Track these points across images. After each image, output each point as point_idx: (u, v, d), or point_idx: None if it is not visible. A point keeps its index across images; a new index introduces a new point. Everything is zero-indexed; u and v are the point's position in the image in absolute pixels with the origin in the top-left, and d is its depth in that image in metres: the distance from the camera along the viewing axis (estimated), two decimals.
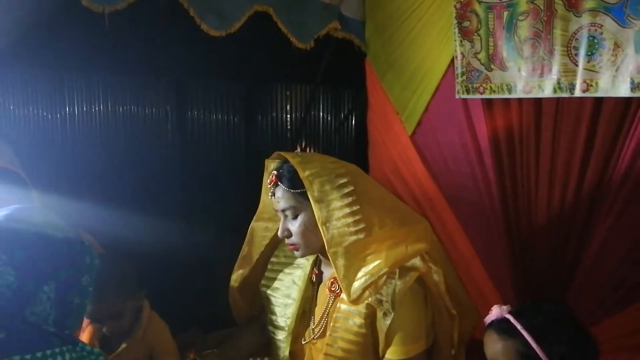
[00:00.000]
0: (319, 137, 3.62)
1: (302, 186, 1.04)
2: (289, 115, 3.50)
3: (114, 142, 2.78)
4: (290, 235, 1.08)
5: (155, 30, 2.43)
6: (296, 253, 1.10)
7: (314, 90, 3.42)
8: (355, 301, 1.01)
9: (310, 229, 1.06)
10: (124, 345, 1.33)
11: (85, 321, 1.34)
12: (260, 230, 1.26)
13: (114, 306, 1.27)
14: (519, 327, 0.99)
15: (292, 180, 1.06)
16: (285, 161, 1.10)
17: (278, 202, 1.08)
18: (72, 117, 2.72)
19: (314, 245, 1.08)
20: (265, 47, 2.61)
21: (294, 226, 1.07)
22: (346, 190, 1.03)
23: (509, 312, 1.04)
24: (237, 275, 1.30)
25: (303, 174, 1.04)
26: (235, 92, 3.25)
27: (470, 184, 1.75)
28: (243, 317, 1.36)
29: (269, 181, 1.10)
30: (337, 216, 1.01)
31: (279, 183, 1.08)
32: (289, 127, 3.48)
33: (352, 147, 3.63)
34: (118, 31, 2.31)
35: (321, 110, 3.64)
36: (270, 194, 1.10)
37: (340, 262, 1.00)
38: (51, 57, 2.39)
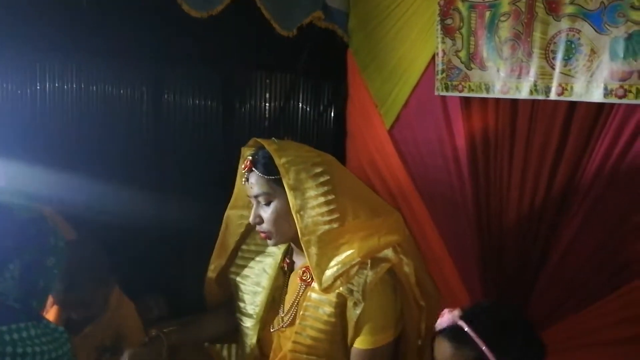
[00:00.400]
0: (297, 127, 3.60)
1: (277, 173, 1.04)
2: (267, 104, 3.47)
3: (87, 121, 2.71)
4: (261, 222, 1.08)
5: (134, 9, 2.37)
6: (268, 241, 1.10)
7: (294, 80, 3.40)
8: (326, 290, 1.01)
9: (283, 216, 1.06)
10: (89, 328, 1.31)
11: (49, 303, 1.31)
12: (235, 218, 1.25)
13: (84, 294, 1.25)
14: (472, 334, 0.96)
15: (266, 167, 1.06)
16: (261, 147, 1.10)
17: (251, 187, 1.07)
18: (43, 93, 2.63)
19: (286, 234, 1.08)
20: (247, 33, 2.58)
21: (266, 213, 1.07)
22: (322, 179, 1.04)
23: (461, 318, 1.00)
24: (214, 266, 1.29)
25: (279, 161, 1.03)
26: (214, 77, 3.20)
27: (444, 180, 1.78)
28: (216, 306, 1.35)
29: (243, 166, 1.09)
30: (311, 205, 1.02)
31: (253, 169, 1.07)
32: (267, 115, 3.46)
33: (330, 139, 3.63)
34: (96, 9, 2.25)
35: (300, 101, 3.62)
36: (244, 179, 1.10)
37: (313, 250, 1.01)
38: (25, 32, 2.31)
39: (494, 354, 0.94)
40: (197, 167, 3.10)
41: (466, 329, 0.97)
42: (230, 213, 1.25)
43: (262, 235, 1.10)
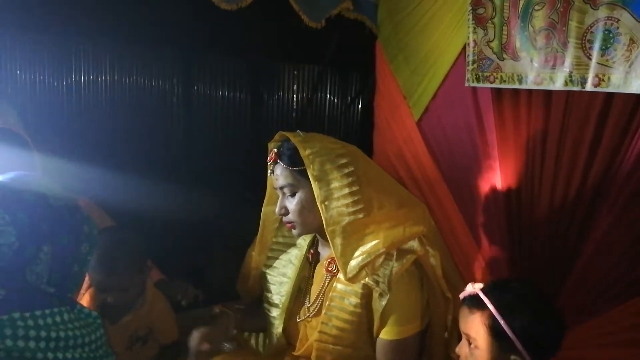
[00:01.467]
0: (324, 118, 3.60)
1: (302, 164, 1.05)
2: (295, 96, 3.49)
3: (120, 112, 2.77)
4: (287, 212, 1.09)
5: (166, 1, 2.40)
6: (293, 232, 1.11)
7: (322, 71, 3.40)
8: (351, 280, 1.02)
9: (308, 207, 1.07)
10: (128, 317, 1.35)
11: (84, 288, 1.36)
12: (270, 214, 1.26)
13: (123, 279, 1.30)
14: (487, 302, 1.04)
15: (291, 158, 1.07)
16: (286, 140, 1.11)
17: (277, 179, 1.09)
18: (79, 85, 2.71)
19: (311, 224, 1.09)
20: (275, 25, 2.58)
21: (291, 204, 1.08)
22: (346, 170, 1.04)
23: (480, 289, 1.08)
24: (256, 263, 1.30)
25: (304, 152, 1.04)
26: (243, 69, 3.23)
27: (474, 173, 1.75)
28: (243, 292, 1.37)
29: (268, 159, 1.11)
30: (336, 195, 1.02)
31: (278, 160, 1.08)
32: (294, 107, 3.47)
33: (357, 130, 3.62)
34: (128, 2, 2.29)
35: (328, 92, 3.62)
36: (269, 171, 1.11)
37: (338, 240, 1.01)
38: (60, 24, 2.37)
39: (506, 320, 1.02)
40: (226, 157, 3.14)
41: (482, 297, 1.05)
42: (266, 210, 1.26)
43: (288, 225, 1.11)
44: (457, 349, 1.10)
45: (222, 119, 3.25)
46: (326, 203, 1.02)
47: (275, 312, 1.20)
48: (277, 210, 1.10)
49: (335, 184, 1.02)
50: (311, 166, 1.03)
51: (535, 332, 1.04)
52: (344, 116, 3.66)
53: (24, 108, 2.36)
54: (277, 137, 1.14)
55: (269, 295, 1.22)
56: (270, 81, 3.37)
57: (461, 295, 1.11)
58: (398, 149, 1.96)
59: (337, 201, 1.02)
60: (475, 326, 1.04)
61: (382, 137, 2.07)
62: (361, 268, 1.00)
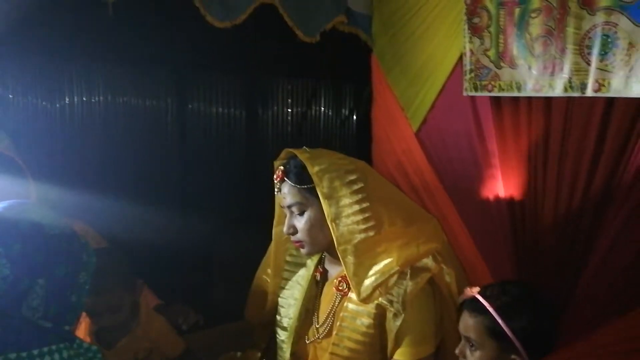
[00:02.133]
0: (319, 132, 3.59)
1: (310, 182, 1.02)
2: (290, 110, 3.47)
3: (114, 133, 2.75)
4: (295, 232, 1.06)
5: (158, 21, 2.40)
6: (302, 251, 1.08)
7: (316, 85, 3.40)
8: (365, 300, 0.99)
9: (317, 225, 1.04)
10: (125, 340, 1.33)
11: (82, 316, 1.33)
12: (281, 234, 1.23)
13: (112, 299, 1.28)
14: (487, 305, 1.09)
15: (298, 176, 1.05)
16: (293, 157, 1.08)
17: (284, 198, 1.06)
18: (72, 107, 2.68)
19: (321, 243, 1.06)
20: (268, 40, 2.58)
21: (300, 223, 1.05)
22: (356, 187, 1.02)
23: (479, 293, 1.14)
24: (272, 287, 1.26)
25: (312, 170, 1.02)
26: (237, 85, 3.23)
27: (475, 182, 1.73)
28: (255, 318, 1.32)
29: (275, 177, 1.08)
30: (346, 213, 0.99)
31: (285, 179, 1.06)
32: (290, 121, 3.46)
33: (354, 144, 3.61)
34: (120, 21, 2.28)
35: (323, 106, 3.61)
36: (276, 190, 1.08)
37: (350, 259, 0.99)
38: (52, 47, 2.36)
39: (505, 322, 1.08)
40: (222, 174, 3.12)
41: (482, 300, 1.11)
42: (276, 230, 1.23)
43: (296, 245, 1.08)
44: (457, 351, 1.12)
45: (217, 135, 3.23)
46: (337, 221, 1.00)
47: (284, 336, 1.16)
48: (285, 229, 1.07)
49: (345, 201, 1.00)
50: (321, 184, 1.01)
51: (533, 331, 1.11)
52: (340, 130, 3.66)
53: (16, 132, 2.33)
54: (283, 154, 1.12)
55: (279, 318, 1.19)
56: (264, 97, 3.37)
57: (460, 299, 1.15)
58: (397, 161, 1.94)
59: (347, 218, 0.99)
60: (475, 329, 1.08)
61: (380, 149, 2.05)
62: (375, 288, 0.97)
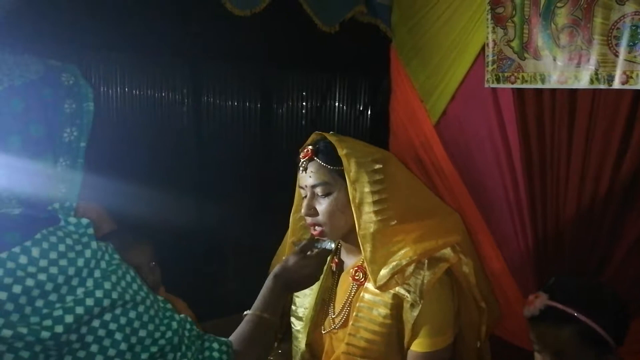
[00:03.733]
0: (334, 126, 3.57)
1: (338, 164, 1.01)
2: (304, 103, 3.46)
3: (130, 124, 2.76)
4: (316, 213, 1.03)
5: (175, 11, 2.39)
6: (318, 235, 1.05)
7: (331, 78, 3.38)
8: (381, 288, 0.97)
9: (341, 209, 1.02)
10: None
11: None
12: (298, 221, 1.21)
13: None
14: (571, 311, 0.99)
15: (328, 156, 1.02)
16: (322, 139, 1.07)
17: (310, 176, 1.03)
18: None
19: (341, 228, 1.03)
20: (285, 33, 2.56)
21: (322, 205, 1.03)
22: (377, 177, 1.00)
23: (550, 299, 1.03)
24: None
25: (342, 152, 1.00)
26: (252, 78, 3.22)
27: (495, 178, 1.70)
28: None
29: (302, 155, 1.05)
30: (367, 201, 0.98)
31: (315, 158, 1.03)
32: (304, 115, 3.44)
33: (368, 138, 3.58)
34: (137, 10, 2.28)
35: (337, 100, 3.59)
36: (302, 168, 1.05)
37: (368, 246, 0.97)
38: (70, 36, 2.36)
39: (597, 323, 0.98)
40: (236, 166, 3.12)
41: (563, 307, 1.00)
42: (294, 217, 1.21)
43: (312, 227, 1.05)
44: None
45: (231, 128, 3.23)
46: (361, 207, 0.98)
47: (299, 326, 1.15)
48: (304, 210, 1.04)
49: (366, 189, 0.98)
50: (349, 167, 0.99)
51: (621, 325, 1.01)
52: (354, 124, 3.63)
53: None
54: (311, 137, 1.10)
55: (294, 308, 1.17)
56: (279, 90, 3.36)
57: (528, 313, 1.06)
58: (415, 154, 1.92)
59: (368, 206, 0.98)
60: (568, 341, 0.99)
61: (398, 141, 2.02)
62: (392, 275, 0.96)
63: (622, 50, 1.32)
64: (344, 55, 2.99)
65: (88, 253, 0.64)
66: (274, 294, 0.96)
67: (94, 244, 0.66)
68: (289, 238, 1.23)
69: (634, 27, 1.30)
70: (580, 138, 1.46)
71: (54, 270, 0.61)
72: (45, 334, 0.59)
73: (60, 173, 0.69)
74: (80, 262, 0.63)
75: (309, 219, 1.05)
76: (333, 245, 1.10)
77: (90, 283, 0.63)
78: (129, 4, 2.26)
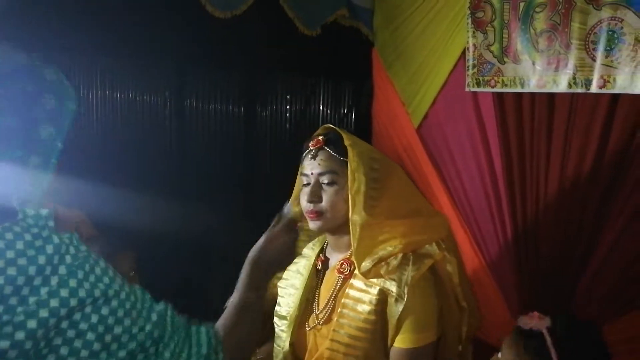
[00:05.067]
0: (318, 129, 3.57)
1: (345, 155, 1.04)
2: (288, 107, 3.46)
3: (111, 127, 2.72)
4: (320, 200, 1.04)
5: (157, 13, 2.37)
6: (315, 224, 1.06)
7: (315, 82, 3.38)
8: (365, 274, 0.99)
9: (345, 199, 1.04)
10: None
11: None
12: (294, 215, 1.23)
13: None
14: (552, 351, 1.01)
15: (338, 146, 1.06)
16: (332, 130, 1.10)
17: (318, 164, 1.05)
18: None
19: (340, 218, 1.06)
20: (267, 36, 2.56)
21: (327, 193, 1.05)
22: (375, 175, 1.04)
23: (547, 328, 1.04)
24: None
25: (347, 141, 1.04)
26: (235, 82, 3.20)
27: (476, 180, 1.71)
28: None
29: (312, 143, 1.08)
30: (362, 190, 1.02)
31: (325, 147, 1.06)
32: (288, 118, 3.44)
33: None
34: (119, 14, 2.25)
35: (321, 103, 3.60)
36: (310, 156, 1.07)
37: (356, 234, 1.00)
38: (48, 40, 2.32)
39: None
40: (219, 170, 3.09)
41: (548, 342, 1.02)
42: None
43: (312, 216, 1.06)
44: None
45: (215, 132, 3.21)
46: (356, 197, 1.01)
47: (283, 325, 1.14)
48: (308, 197, 1.06)
49: (362, 181, 1.02)
50: (352, 157, 1.03)
51: None
52: (339, 127, 3.64)
53: None
54: (322, 128, 1.14)
55: (279, 308, 1.17)
56: (263, 93, 3.35)
57: (523, 324, 1.08)
58: (398, 157, 1.92)
59: (361, 197, 1.01)
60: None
61: (380, 145, 2.03)
62: (376, 263, 0.98)
63: (600, 54, 1.35)
64: (327, 58, 2.99)
65: (50, 248, 0.60)
66: (250, 275, 0.94)
67: (55, 238, 0.61)
68: None
69: (610, 32, 1.32)
70: (558, 141, 1.48)
71: (12, 271, 0.56)
72: (3, 344, 0.54)
73: (30, 171, 0.64)
74: (42, 259, 0.59)
75: (309, 206, 1.06)
76: (288, 210, 1.11)
77: (54, 281, 0.58)
78: (111, 6, 2.24)
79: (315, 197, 1.05)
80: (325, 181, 1.05)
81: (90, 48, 2.51)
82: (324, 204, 1.05)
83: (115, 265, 1.25)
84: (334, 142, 1.06)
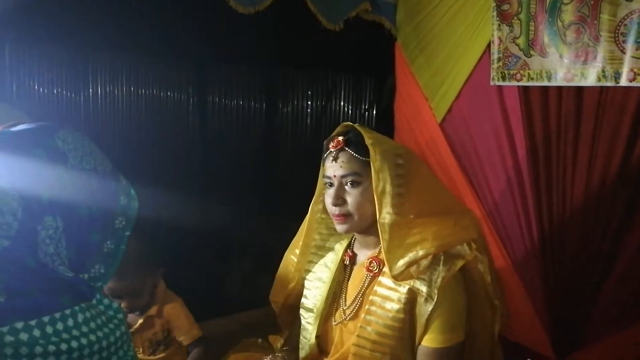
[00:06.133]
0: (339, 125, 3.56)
1: (367, 155, 1.02)
2: (310, 102, 3.46)
3: (136, 123, 2.77)
4: (344, 203, 1.04)
5: (181, 10, 2.40)
6: (342, 227, 1.05)
7: (336, 77, 3.38)
8: (397, 277, 0.98)
9: (369, 199, 1.03)
10: (140, 322, 1.34)
11: None
12: (317, 212, 1.22)
13: (135, 283, 1.28)
14: None
15: (358, 146, 1.04)
16: (351, 129, 1.08)
17: (341, 166, 1.04)
18: (95, 97, 2.71)
19: (367, 219, 1.05)
20: (290, 32, 2.56)
21: (351, 195, 1.04)
22: (400, 171, 1.01)
23: None
24: (300, 265, 1.24)
25: (368, 141, 1.02)
26: (257, 78, 3.22)
27: (501, 175, 1.69)
28: (280, 299, 1.29)
29: (333, 145, 1.06)
30: (387, 191, 0.99)
31: (346, 148, 1.04)
32: (309, 113, 3.44)
33: None
34: (143, 10, 2.29)
35: (342, 99, 3.59)
36: (332, 158, 1.06)
37: (387, 235, 0.98)
38: (75, 38, 2.37)
39: None
40: (241, 166, 3.12)
41: None
42: (315, 208, 1.22)
43: (339, 219, 1.05)
44: None
45: (237, 128, 3.23)
46: (382, 198, 1.00)
47: (310, 318, 1.15)
48: (332, 200, 1.05)
49: (388, 181, 1.00)
50: (375, 156, 1.01)
51: None
52: (360, 123, 3.63)
53: (41, 121, 2.36)
54: (340, 127, 1.12)
55: (305, 300, 1.18)
56: (284, 89, 3.36)
57: None
58: (420, 153, 1.90)
59: (388, 197, 0.99)
60: None
61: (403, 140, 2.01)
62: (408, 266, 0.96)
63: (630, 47, 1.31)
64: (349, 53, 2.98)
65: (118, 332, 0.71)
66: None
67: (123, 328, 0.73)
68: (304, 227, 1.23)
69: None
70: (586, 136, 1.45)
71: (92, 337, 0.67)
72: None
73: (104, 253, 0.76)
74: (112, 338, 0.70)
75: (336, 210, 1.05)
76: None
77: (114, 359, 0.70)
78: (134, 3, 2.27)
79: (339, 200, 1.04)
80: (349, 183, 1.04)
81: (115, 45, 2.56)
82: (350, 206, 1.04)
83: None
84: (354, 143, 1.04)
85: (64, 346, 0.63)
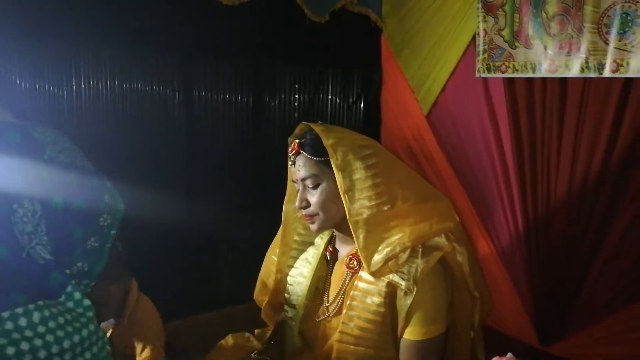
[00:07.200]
0: (327, 119, 3.55)
1: (324, 154, 1.01)
2: (297, 96, 3.45)
3: (120, 118, 2.74)
4: (308, 205, 1.04)
5: (164, 2, 2.36)
6: (312, 226, 1.06)
7: (323, 70, 3.36)
8: (375, 274, 0.97)
9: (332, 198, 1.02)
10: (110, 333, 1.25)
11: None
12: (291, 212, 1.21)
13: (98, 290, 1.17)
14: None
15: (314, 148, 1.03)
16: (308, 131, 1.07)
17: (298, 170, 1.04)
18: (79, 92, 2.66)
19: (333, 218, 1.04)
20: (275, 25, 2.54)
21: (314, 196, 1.03)
22: (370, 162, 1.00)
23: None
24: (280, 265, 1.23)
25: (327, 142, 1.00)
26: (243, 71, 3.19)
27: (487, 167, 1.70)
28: (263, 298, 1.29)
29: (290, 149, 1.06)
30: (359, 187, 0.98)
31: (301, 151, 1.04)
32: (296, 107, 3.43)
33: (361, 130, 3.57)
34: (127, 4, 2.25)
35: (329, 93, 3.58)
36: (290, 163, 1.06)
37: (361, 232, 0.97)
38: (59, 31, 2.33)
39: None
40: (228, 160, 3.10)
41: None
42: (287, 208, 1.21)
43: (307, 219, 1.06)
44: None
45: (223, 122, 3.20)
46: (349, 193, 0.98)
47: (292, 313, 1.15)
48: (297, 203, 1.05)
49: (358, 175, 0.99)
50: (335, 156, 0.99)
51: None
52: (347, 116, 3.62)
53: (24, 116, 2.32)
54: (298, 129, 1.10)
55: (288, 296, 1.18)
56: (271, 83, 3.34)
57: None
58: (407, 145, 1.91)
59: (360, 192, 0.98)
60: None
61: (390, 133, 2.02)
62: (385, 261, 0.96)
63: (613, 38, 1.32)
64: (335, 46, 2.97)
65: (85, 332, 0.66)
66: None
67: (92, 326, 0.68)
68: (281, 229, 1.22)
69: (624, 15, 1.29)
70: (570, 126, 1.47)
71: (50, 338, 0.62)
72: None
73: (87, 250, 0.74)
74: (76, 338, 0.65)
75: (303, 212, 1.06)
76: None
77: (88, 355, 0.65)
78: None
79: (304, 202, 1.05)
80: (310, 185, 1.04)
81: (97, 38, 2.51)
82: (313, 207, 1.04)
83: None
84: (309, 144, 1.04)
85: (10, 350, 0.58)
